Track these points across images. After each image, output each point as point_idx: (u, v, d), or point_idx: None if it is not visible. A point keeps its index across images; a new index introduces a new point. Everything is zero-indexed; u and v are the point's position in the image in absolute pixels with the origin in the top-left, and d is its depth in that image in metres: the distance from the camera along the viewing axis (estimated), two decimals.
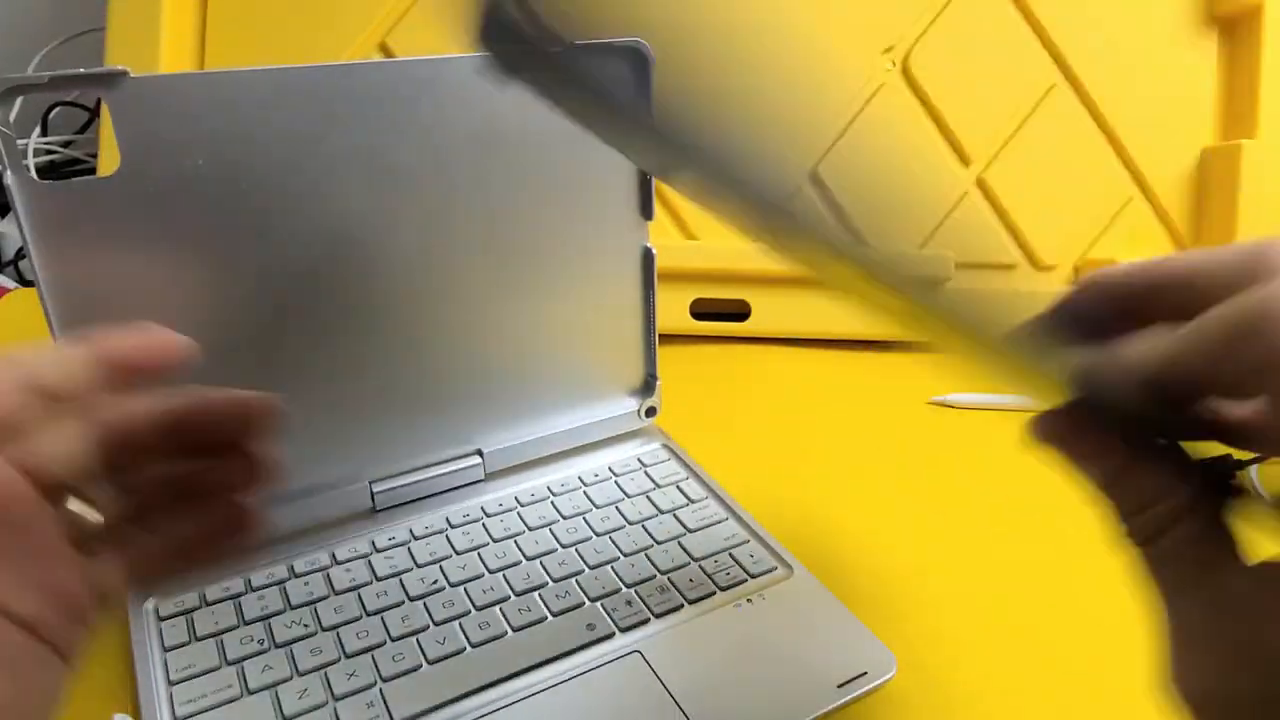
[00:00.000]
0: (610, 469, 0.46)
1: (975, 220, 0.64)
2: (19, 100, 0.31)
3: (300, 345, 0.38)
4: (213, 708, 0.32)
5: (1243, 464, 0.51)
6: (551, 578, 0.39)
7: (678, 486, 0.45)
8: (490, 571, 0.39)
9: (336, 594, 0.37)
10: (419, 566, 0.39)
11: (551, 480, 0.45)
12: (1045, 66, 0.64)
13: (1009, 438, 0.56)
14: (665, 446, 0.48)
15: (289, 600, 0.37)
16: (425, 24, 0.60)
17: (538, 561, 0.40)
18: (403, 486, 0.42)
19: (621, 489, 0.45)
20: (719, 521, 0.43)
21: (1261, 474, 0.55)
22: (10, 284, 0.65)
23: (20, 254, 0.67)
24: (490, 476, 0.45)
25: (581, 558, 0.40)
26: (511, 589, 0.38)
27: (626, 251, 0.45)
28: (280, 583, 0.38)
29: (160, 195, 0.34)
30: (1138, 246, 0.65)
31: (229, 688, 0.33)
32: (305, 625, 0.36)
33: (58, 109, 0.71)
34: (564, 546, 0.41)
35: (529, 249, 0.42)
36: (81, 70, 0.31)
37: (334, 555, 0.39)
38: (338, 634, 0.35)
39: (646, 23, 0.62)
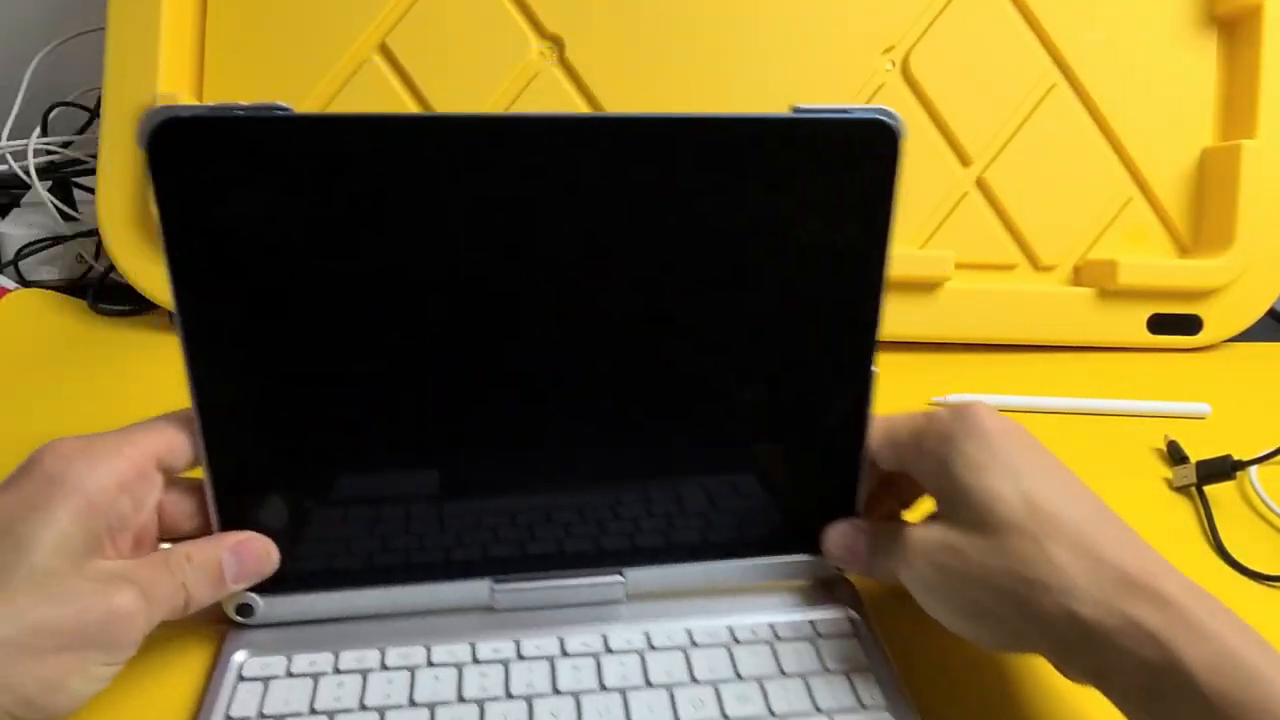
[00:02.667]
0: (773, 629, 0.36)
1: (975, 220, 0.64)
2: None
3: (452, 410, 0.34)
4: None
5: (1242, 464, 0.51)
6: None
7: (850, 679, 0.34)
8: None
9: (412, 705, 0.33)
10: (509, 698, 0.33)
11: (697, 625, 0.36)
12: (1045, 66, 0.64)
13: None
14: (850, 616, 0.37)
15: (363, 698, 0.33)
16: (426, 24, 0.60)
17: None
18: (528, 591, 0.37)
19: (778, 661, 0.35)
20: None
21: (1261, 474, 0.55)
22: (10, 284, 0.65)
23: (20, 254, 0.67)
24: (631, 598, 0.37)
25: None
26: None
27: (846, 371, 0.36)
28: (364, 672, 0.34)
29: (302, 243, 0.31)
30: (1138, 246, 0.65)
31: None
32: None
33: (58, 109, 0.72)
34: None
35: (735, 349, 0.35)
36: (241, 105, 0.29)
37: (429, 654, 0.35)
38: None
39: (646, 22, 0.62)
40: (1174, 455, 0.51)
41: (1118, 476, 0.49)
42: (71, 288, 0.66)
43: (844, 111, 0.32)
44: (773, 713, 0.33)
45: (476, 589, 0.36)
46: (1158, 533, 0.45)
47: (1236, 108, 0.64)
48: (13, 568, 0.27)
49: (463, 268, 0.32)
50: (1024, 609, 0.29)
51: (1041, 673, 0.36)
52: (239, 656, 0.34)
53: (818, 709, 0.33)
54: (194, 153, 0.29)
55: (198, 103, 0.30)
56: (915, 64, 0.63)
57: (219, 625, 0.35)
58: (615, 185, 0.32)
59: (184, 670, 0.34)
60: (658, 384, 0.35)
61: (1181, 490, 0.48)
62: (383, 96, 0.60)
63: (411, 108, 0.61)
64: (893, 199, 0.33)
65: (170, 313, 0.31)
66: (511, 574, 0.36)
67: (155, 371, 0.56)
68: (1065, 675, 0.30)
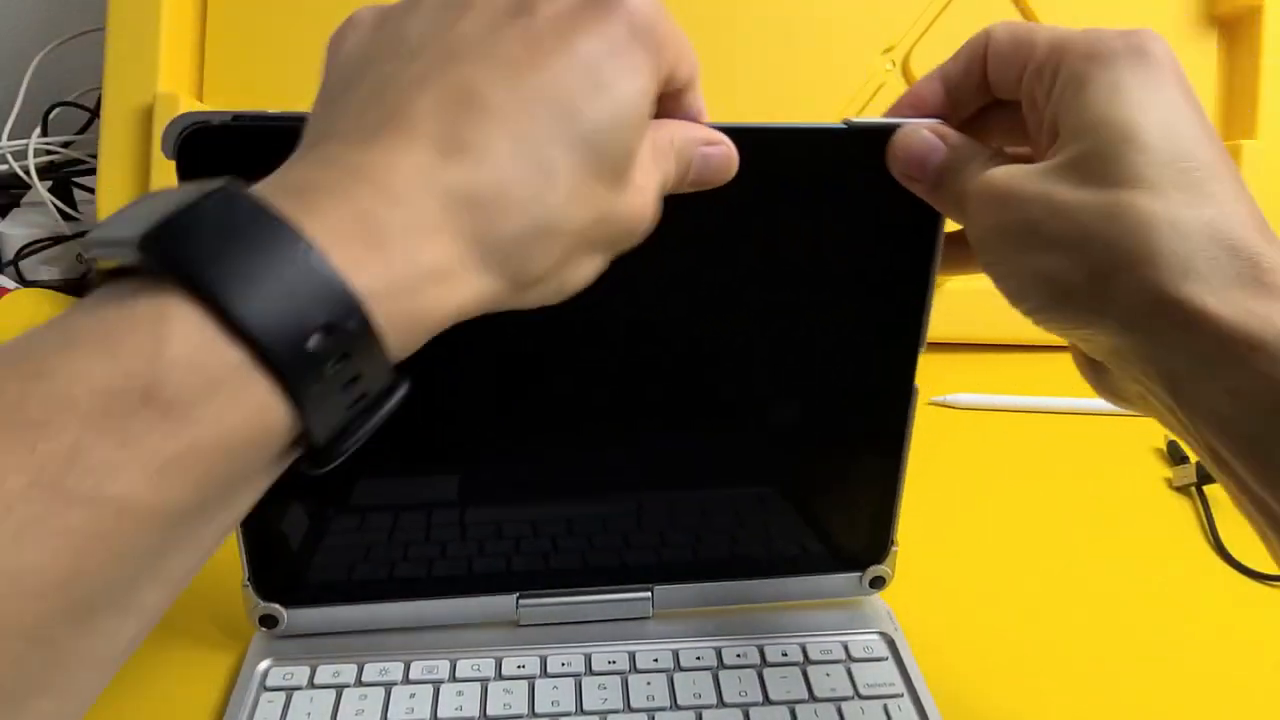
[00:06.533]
0: (804, 650, 0.35)
1: None
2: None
3: (483, 424, 0.33)
4: None
5: None
6: None
7: (884, 706, 0.33)
8: None
9: None
10: (533, 716, 0.33)
11: (726, 644, 0.35)
12: None
13: (1009, 438, 0.56)
14: (887, 639, 0.36)
15: (386, 712, 0.32)
16: None
17: None
18: (553, 606, 0.36)
19: (808, 684, 0.34)
20: None
21: None
22: (10, 284, 0.65)
23: (20, 254, 0.67)
24: (659, 615, 0.37)
25: None
26: None
27: (886, 388, 0.35)
28: (388, 685, 0.33)
29: None
30: None
31: None
32: None
33: (58, 109, 0.72)
34: None
35: (778, 364, 0.34)
36: (269, 112, 0.28)
37: (454, 668, 0.34)
38: None
39: None
40: (1174, 455, 0.51)
41: (1118, 476, 0.50)
42: (71, 288, 0.66)
43: (896, 124, 0.30)
44: None
45: (502, 604, 0.36)
46: (1158, 533, 0.45)
47: (1236, 108, 0.64)
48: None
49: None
50: (1121, 287, 0.24)
51: (1081, 694, 0.35)
52: (263, 665, 0.34)
53: None
54: (221, 160, 0.29)
55: (222, 109, 0.29)
56: (915, 64, 0.63)
57: (245, 632, 0.35)
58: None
59: (208, 678, 0.34)
60: (693, 399, 0.34)
61: (1181, 490, 0.48)
62: None
63: None
64: (941, 214, 0.31)
65: None
66: (538, 589, 0.36)
67: None
68: (1112, 389, 0.27)
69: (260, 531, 0.33)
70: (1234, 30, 0.64)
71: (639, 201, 0.24)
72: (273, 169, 0.28)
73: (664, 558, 0.36)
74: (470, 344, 0.32)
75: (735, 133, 0.30)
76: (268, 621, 0.34)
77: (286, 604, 0.34)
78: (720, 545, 0.36)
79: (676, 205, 0.31)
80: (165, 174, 0.56)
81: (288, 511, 0.33)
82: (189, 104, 0.57)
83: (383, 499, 0.34)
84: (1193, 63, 0.65)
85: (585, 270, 0.24)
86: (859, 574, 0.37)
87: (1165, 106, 0.24)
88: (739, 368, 0.34)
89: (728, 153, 0.27)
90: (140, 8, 0.57)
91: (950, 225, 0.32)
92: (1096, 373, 0.28)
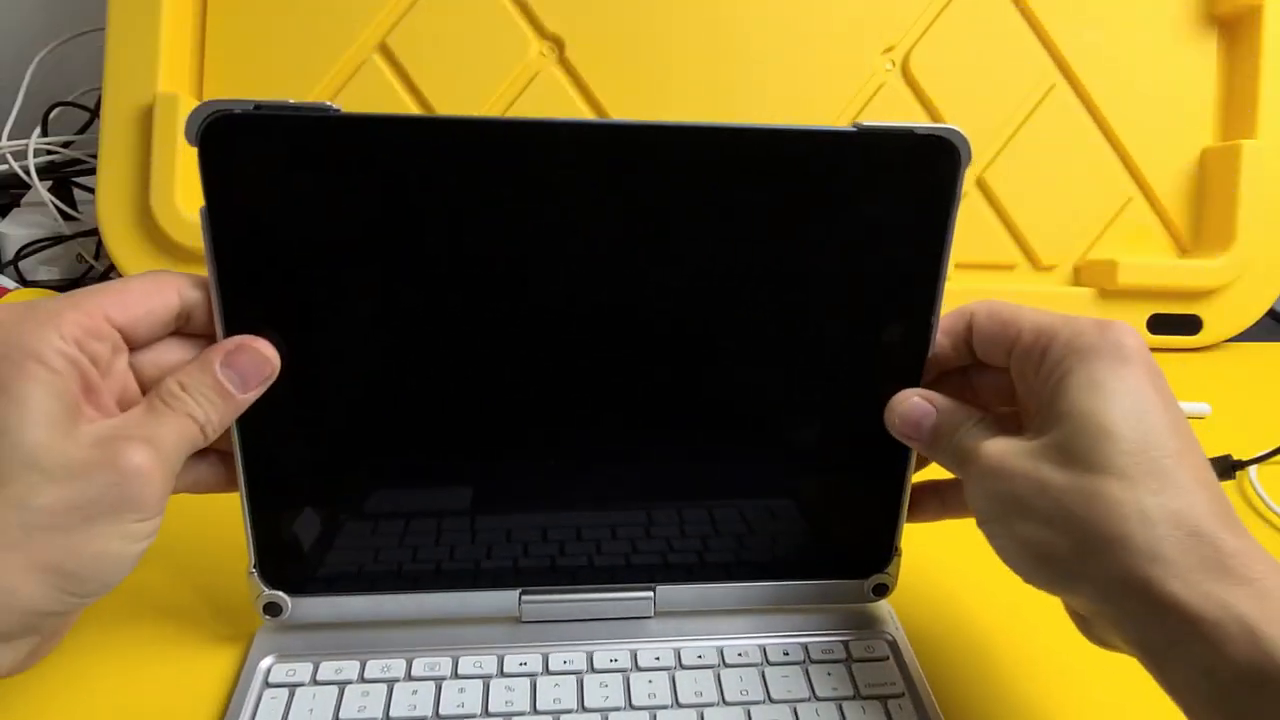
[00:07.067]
0: (806, 650, 0.36)
1: (975, 220, 0.64)
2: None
3: (490, 419, 0.34)
4: None
5: (1241, 464, 0.51)
6: None
7: (885, 705, 0.34)
8: None
9: (437, 718, 0.32)
10: (535, 714, 0.33)
11: (728, 644, 0.35)
12: (1045, 66, 0.64)
13: None
14: (889, 640, 0.36)
15: (388, 709, 0.33)
16: (426, 24, 0.60)
17: None
18: (555, 603, 0.36)
19: (810, 683, 0.34)
20: None
21: (1261, 474, 0.55)
22: (10, 284, 0.65)
23: (20, 254, 0.67)
24: (660, 615, 0.37)
25: None
26: None
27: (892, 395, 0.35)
28: (390, 682, 0.34)
29: (346, 240, 0.31)
30: (1138, 246, 0.65)
31: None
32: None
33: (58, 109, 0.72)
34: None
35: (795, 364, 0.34)
36: (290, 102, 0.29)
37: (456, 665, 0.34)
38: None
39: (646, 22, 0.62)
40: None
41: None
42: (71, 288, 0.66)
43: (908, 129, 0.31)
44: None
45: (505, 599, 0.36)
46: None
47: (1236, 108, 0.64)
48: (1, 455, 0.25)
49: (508, 275, 0.32)
50: (1096, 564, 0.26)
51: (1084, 698, 0.35)
52: (265, 662, 0.34)
53: None
54: (243, 148, 0.29)
55: (244, 99, 0.30)
56: (915, 64, 0.63)
57: (248, 626, 0.35)
58: (669, 193, 0.31)
59: (212, 673, 0.34)
60: (700, 404, 0.34)
61: None
62: (383, 96, 0.60)
63: (411, 108, 0.61)
64: (951, 220, 0.32)
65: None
66: (540, 585, 0.36)
67: None
68: (1098, 639, 0.29)
69: (267, 521, 0.33)
70: (1234, 30, 0.64)
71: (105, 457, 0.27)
72: (291, 156, 0.30)
73: (667, 559, 0.36)
74: (480, 344, 0.33)
75: (746, 133, 0.31)
76: (272, 609, 0.35)
77: (291, 592, 0.34)
78: (723, 549, 0.37)
79: (686, 204, 0.31)
80: (165, 174, 0.57)
81: (295, 502, 0.33)
82: (189, 104, 0.57)
83: (390, 495, 0.34)
84: (1193, 63, 0.65)
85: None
86: (862, 581, 0.37)
87: (1136, 400, 0.27)
88: (747, 373, 0.34)
89: (256, 356, 0.30)
90: (140, 8, 0.57)
91: (954, 253, 0.32)
92: (1084, 622, 0.29)
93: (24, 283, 0.66)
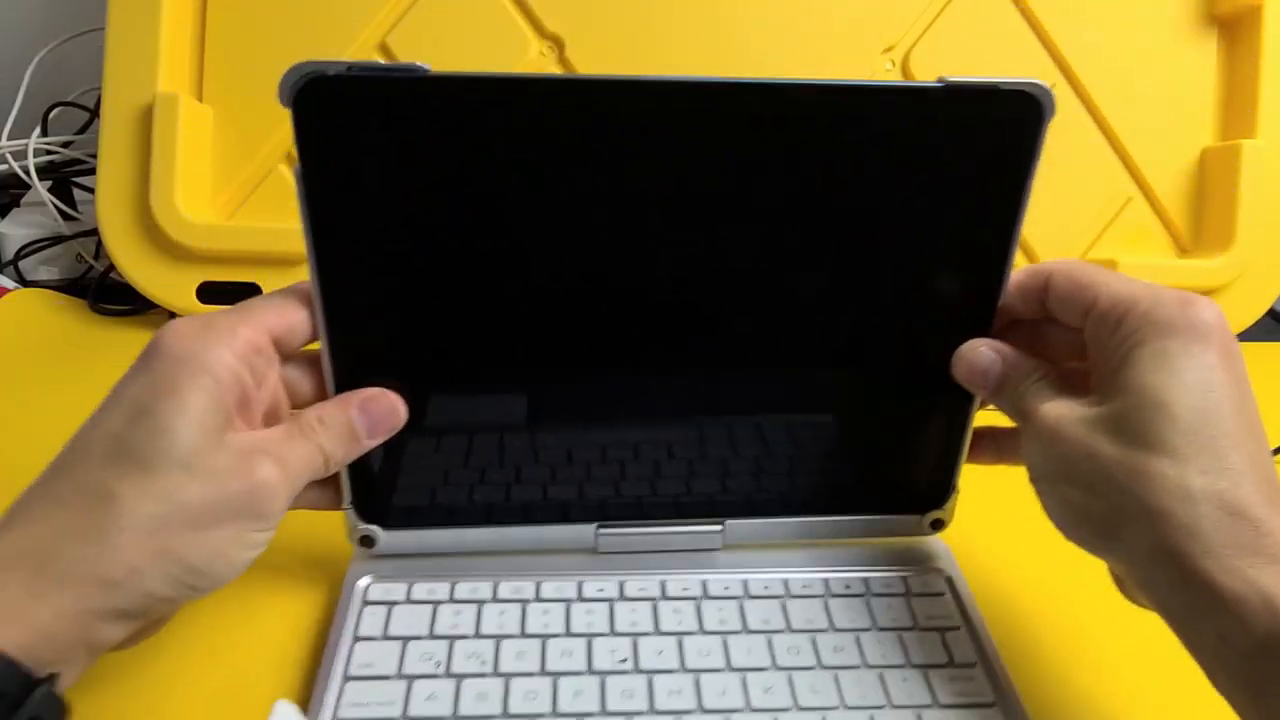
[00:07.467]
0: (866, 584, 0.37)
1: None
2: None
3: (575, 359, 0.35)
4: None
5: None
6: (750, 705, 0.32)
7: (943, 636, 0.35)
8: (685, 669, 0.33)
9: (524, 636, 0.35)
10: (614, 635, 0.35)
11: (793, 577, 0.37)
12: (1045, 66, 0.64)
13: None
14: (946, 577, 0.38)
15: (479, 626, 0.35)
16: (426, 24, 0.60)
17: (740, 677, 0.33)
18: (629, 535, 0.38)
19: (871, 614, 0.36)
20: (984, 704, 0.33)
21: None
22: (10, 284, 0.65)
23: (20, 254, 0.67)
24: (728, 548, 0.39)
25: (793, 691, 0.33)
26: (701, 702, 0.32)
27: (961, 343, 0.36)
28: (479, 603, 0.36)
29: (439, 193, 0.32)
30: (1138, 246, 0.65)
31: (391, 704, 0.32)
32: (482, 661, 0.33)
33: (58, 109, 0.71)
34: (778, 668, 0.34)
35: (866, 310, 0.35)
36: (381, 63, 0.30)
37: (539, 589, 0.36)
38: (507, 683, 0.33)
39: (645, 22, 0.62)
40: None
41: None
42: (71, 288, 0.66)
43: (993, 84, 0.31)
44: (867, 663, 0.34)
45: (582, 532, 0.38)
46: None
47: (1236, 108, 0.64)
48: (158, 449, 0.28)
49: (602, 228, 0.33)
50: (1132, 532, 0.28)
51: (1137, 636, 0.35)
52: (363, 581, 0.36)
53: (910, 663, 0.34)
54: (337, 109, 0.30)
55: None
56: (915, 64, 0.63)
57: (343, 557, 0.38)
58: (754, 145, 0.32)
59: (314, 593, 0.37)
60: (778, 341, 0.36)
61: None
62: None
63: None
64: (1030, 174, 0.32)
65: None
66: (616, 519, 0.38)
67: None
68: (1130, 595, 0.30)
69: (362, 462, 0.35)
70: (1234, 30, 0.64)
71: (241, 472, 0.30)
72: (385, 119, 0.30)
73: (736, 495, 0.38)
74: (569, 295, 0.34)
75: (832, 90, 0.31)
76: (366, 541, 0.37)
77: (384, 526, 0.37)
78: (788, 486, 0.38)
79: (772, 160, 0.32)
80: (165, 174, 0.56)
81: (387, 443, 0.35)
82: (189, 104, 0.57)
83: (477, 437, 0.36)
84: (1193, 63, 0.65)
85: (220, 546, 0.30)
86: (920, 516, 0.39)
87: (1201, 377, 0.28)
88: (821, 315, 0.35)
89: (387, 407, 0.33)
90: (140, 8, 0.57)
91: (1034, 195, 0.33)
92: (1119, 580, 0.31)
93: (24, 283, 0.66)
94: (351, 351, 0.33)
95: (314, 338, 0.33)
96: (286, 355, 0.33)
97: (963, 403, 0.36)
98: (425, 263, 0.33)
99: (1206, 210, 0.65)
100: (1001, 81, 0.31)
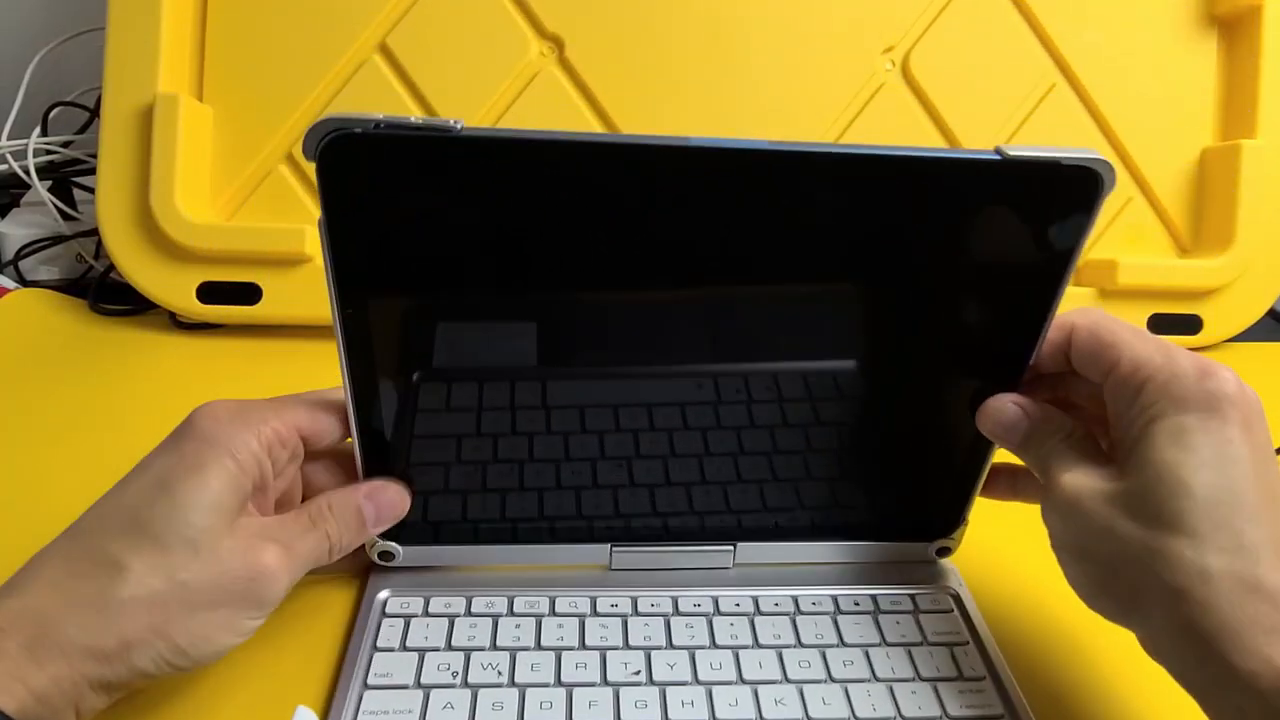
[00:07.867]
0: (875, 601, 0.38)
1: None
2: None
3: (590, 385, 0.36)
4: None
5: None
6: (762, 716, 0.33)
7: (951, 651, 0.36)
8: (698, 681, 0.34)
9: (539, 648, 0.35)
10: (627, 648, 0.35)
11: (802, 594, 0.38)
12: (1045, 66, 0.64)
13: None
14: (953, 595, 0.39)
15: (495, 639, 0.36)
16: (426, 24, 0.60)
17: (752, 689, 0.34)
18: (643, 554, 0.39)
19: (880, 630, 0.37)
20: (993, 717, 0.33)
21: None
22: (10, 284, 0.65)
23: (20, 254, 0.67)
24: (739, 567, 0.40)
25: (804, 703, 0.33)
26: (713, 713, 0.33)
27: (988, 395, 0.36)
28: (495, 616, 0.37)
29: (465, 255, 0.32)
30: (1138, 246, 0.65)
31: (409, 713, 0.32)
32: (498, 673, 0.34)
33: (58, 109, 0.72)
34: (789, 681, 0.34)
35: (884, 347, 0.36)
36: (413, 119, 0.28)
37: (554, 604, 0.37)
38: (522, 693, 0.33)
39: (645, 22, 0.62)
40: None
41: None
42: (71, 288, 0.66)
43: (1054, 154, 0.30)
44: (876, 677, 0.34)
45: (597, 551, 0.39)
46: None
47: (1236, 108, 0.64)
48: (171, 526, 0.29)
49: (635, 295, 0.33)
50: (1149, 609, 0.28)
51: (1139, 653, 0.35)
52: (382, 594, 0.37)
53: (920, 677, 0.35)
54: (363, 165, 0.29)
55: (362, 114, 0.29)
56: (915, 64, 0.63)
57: (363, 568, 0.39)
58: (802, 210, 0.31)
59: (334, 606, 0.38)
60: (807, 384, 0.36)
61: None
62: (383, 96, 0.60)
63: (412, 108, 0.61)
64: (1082, 244, 0.32)
65: (331, 313, 0.31)
66: (631, 540, 0.39)
67: (155, 371, 0.56)
68: (1147, 651, 0.30)
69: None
70: (1234, 30, 0.64)
71: (240, 562, 0.30)
72: (412, 177, 0.30)
73: (747, 522, 0.39)
74: (590, 354, 0.34)
75: (887, 158, 0.30)
76: (385, 557, 0.38)
77: (403, 542, 0.38)
78: (801, 511, 0.39)
79: (814, 219, 0.32)
80: (165, 174, 0.57)
81: (406, 465, 0.36)
82: (189, 104, 0.57)
83: (497, 461, 0.37)
84: (1193, 63, 0.65)
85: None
86: (928, 544, 0.40)
87: (1220, 453, 0.28)
88: (858, 358, 0.36)
89: (393, 497, 0.35)
90: (140, 8, 0.57)
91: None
92: (1142, 641, 0.31)
93: (24, 283, 0.66)
94: (378, 452, 0.35)
95: (344, 439, 0.34)
96: (313, 454, 0.34)
97: (983, 446, 0.36)
98: (450, 321, 0.33)
99: (1206, 210, 0.65)
100: (1063, 156, 0.30)
